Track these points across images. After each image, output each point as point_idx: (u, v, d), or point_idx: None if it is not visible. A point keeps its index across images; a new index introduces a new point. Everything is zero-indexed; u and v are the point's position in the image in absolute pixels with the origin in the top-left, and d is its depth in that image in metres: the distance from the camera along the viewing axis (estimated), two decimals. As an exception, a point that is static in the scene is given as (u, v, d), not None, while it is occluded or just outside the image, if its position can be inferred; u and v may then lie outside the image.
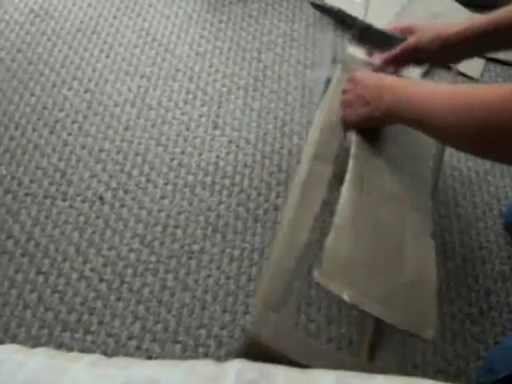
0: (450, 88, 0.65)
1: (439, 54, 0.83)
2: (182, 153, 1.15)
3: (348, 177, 0.73)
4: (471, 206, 1.13)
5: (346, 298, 0.63)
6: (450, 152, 1.21)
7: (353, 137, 0.78)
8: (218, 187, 1.11)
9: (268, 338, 0.64)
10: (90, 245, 1.01)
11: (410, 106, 0.68)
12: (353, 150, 0.76)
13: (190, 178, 1.11)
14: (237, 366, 0.43)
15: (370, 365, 0.70)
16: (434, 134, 0.68)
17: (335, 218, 0.68)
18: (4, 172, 1.08)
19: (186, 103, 1.22)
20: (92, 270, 0.98)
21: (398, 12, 1.39)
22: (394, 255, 0.69)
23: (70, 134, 1.14)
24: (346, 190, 0.71)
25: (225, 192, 1.10)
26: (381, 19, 1.38)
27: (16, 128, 1.14)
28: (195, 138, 1.17)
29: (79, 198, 1.06)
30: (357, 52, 0.93)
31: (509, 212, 1.10)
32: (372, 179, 0.75)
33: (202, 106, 1.22)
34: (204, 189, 1.10)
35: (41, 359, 0.43)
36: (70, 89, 1.21)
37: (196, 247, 1.03)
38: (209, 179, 1.11)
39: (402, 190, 0.76)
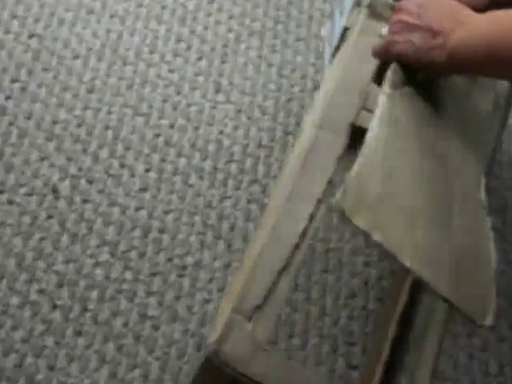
0: None
1: None
2: (171, 127, 1.17)
3: (378, 113, 0.76)
4: None
5: (377, 238, 0.65)
6: None
7: (391, 69, 0.81)
8: (220, 176, 1.12)
9: (233, 357, 0.66)
10: (38, 256, 1.03)
11: (489, 40, 0.72)
12: (388, 85, 0.79)
13: (182, 162, 1.13)
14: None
15: None
16: None
17: (364, 146, 0.72)
18: None
19: (175, 55, 1.24)
20: (41, 292, 1.00)
21: None
22: (439, 212, 0.74)
23: (8, 98, 1.17)
24: (376, 125, 0.75)
25: (231, 183, 1.12)
26: None
27: None
28: (189, 105, 1.19)
29: (22, 190, 1.08)
30: None
31: None
32: (410, 125, 0.79)
33: (199, 59, 1.24)
34: (201, 178, 1.11)
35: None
36: (7, 32, 1.24)
37: (190, 260, 1.04)
38: (208, 164, 1.13)
39: (449, 147, 0.81)
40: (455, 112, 0.86)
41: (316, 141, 0.78)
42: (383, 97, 0.78)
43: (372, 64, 0.85)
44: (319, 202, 0.74)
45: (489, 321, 0.69)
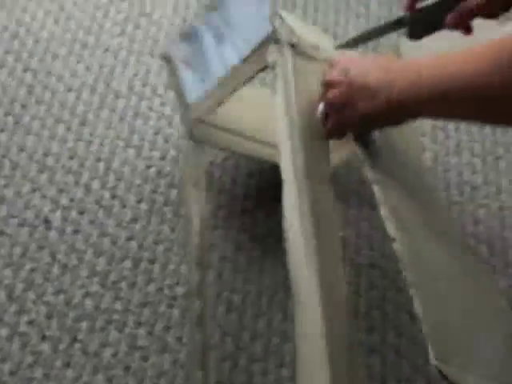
0: (482, 45, 0.70)
1: None
2: (162, 158, 1.17)
3: (383, 212, 0.74)
4: None
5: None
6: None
7: (359, 151, 0.81)
8: (211, 206, 1.12)
9: None
10: (27, 287, 1.03)
11: (435, 81, 0.72)
12: (371, 173, 0.78)
13: (173, 193, 1.13)
14: None
15: None
16: (473, 106, 0.72)
17: (407, 277, 0.69)
18: None
19: (168, 89, 1.25)
20: (30, 323, 1.00)
21: None
22: (479, 312, 0.76)
23: (1, 131, 1.18)
24: (393, 233, 0.72)
25: (222, 212, 1.12)
26: None
27: None
28: (182, 137, 1.19)
29: (14, 221, 1.08)
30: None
31: None
32: (405, 212, 0.79)
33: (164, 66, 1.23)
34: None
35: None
36: (1, 66, 1.25)
37: (180, 290, 1.04)
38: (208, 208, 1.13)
39: (434, 219, 0.84)
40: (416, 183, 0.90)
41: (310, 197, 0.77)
42: (375, 187, 0.77)
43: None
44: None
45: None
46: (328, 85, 0.82)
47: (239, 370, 0.98)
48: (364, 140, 0.82)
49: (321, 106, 0.84)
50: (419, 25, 0.90)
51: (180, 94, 1.02)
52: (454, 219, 0.85)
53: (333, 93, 0.81)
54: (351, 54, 0.87)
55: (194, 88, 0.98)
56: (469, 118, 0.83)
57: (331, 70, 0.83)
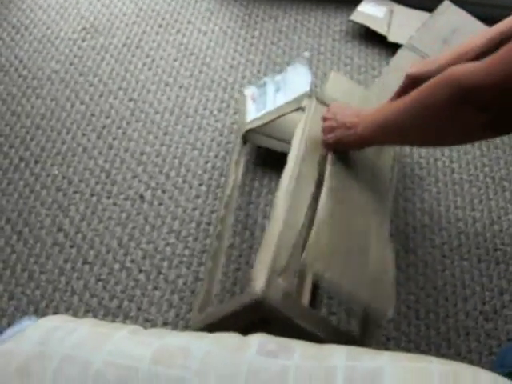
0: (400, 100, 0.75)
1: None
2: (216, 156, 1.18)
3: (325, 189, 0.82)
4: (487, 210, 1.13)
5: (327, 276, 0.71)
6: (466, 160, 1.21)
7: (330, 157, 0.88)
8: (247, 188, 1.14)
9: (278, 302, 0.69)
10: (130, 239, 1.05)
11: (377, 124, 0.79)
12: (329, 168, 0.86)
13: (222, 179, 1.15)
14: (258, 338, 0.46)
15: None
16: (401, 139, 0.81)
17: (316, 220, 0.77)
18: (56, 172, 1.14)
19: (219, 111, 1.26)
20: (132, 261, 1.02)
21: (419, 27, 1.40)
22: (362, 251, 0.80)
23: (114, 139, 1.20)
24: (324, 198, 0.80)
25: (254, 193, 1.13)
26: (403, 34, 1.40)
27: (67, 133, 1.20)
28: (228, 143, 1.21)
29: (122, 197, 1.11)
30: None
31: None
32: (344, 192, 0.86)
33: (235, 113, 1.26)
34: (252, 189, 1.13)
35: (88, 327, 0.46)
36: (115, 98, 1.27)
37: (226, 243, 1.05)
38: (239, 181, 1.14)
39: (367, 202, 0.89)
40: (370, 178, 0.94)
41: (301, 171, 0.85)
42: (328, 175, 0.85)
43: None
44: (309, 207, 0.82)
45: (390, 315, 0.75)
46: (324, 119, 0.92)
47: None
48: (340, 154, 0.90)
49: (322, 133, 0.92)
50: None
51: (242, 114, 1.14)
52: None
53: (326, 124, 0.91)
54: (341, 103, 0.95)
55: (253, 113, 1.11)
56: (406, 143, 0.95)
57: (327, 110, 0.93)
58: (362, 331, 0.86)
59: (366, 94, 1.15)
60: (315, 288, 0.79)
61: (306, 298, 0.78)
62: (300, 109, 0.99)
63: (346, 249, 0.78)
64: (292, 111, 1.01)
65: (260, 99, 1.10)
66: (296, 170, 0.85)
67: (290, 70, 1.11)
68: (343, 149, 0.89)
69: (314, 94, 0.99)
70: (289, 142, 0.94)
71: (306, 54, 1.15)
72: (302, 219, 0.79)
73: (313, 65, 1.37)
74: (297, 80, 1.06)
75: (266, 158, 1.18)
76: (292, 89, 1.04)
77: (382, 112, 0.79)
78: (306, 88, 1.01)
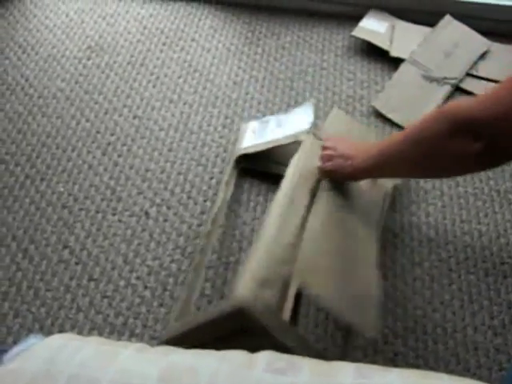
0: (395, 135, 0.80)
1: None
2: (220, 172, 1.18)
3: (315, 211, 0.86)
4: (493, 224, 1.13)
5: (313, 292, 0.75)
6: (471, 174, 1.21)
7: (323, 183, 0.92)
8: (252, 204, 1.14)
9: (260, 312, 0.69)
10: (136, 255, 1.05)
11: (373, 158, 0.83)
12: (321, 193, 0.90)
13: (228, 195, 1.14)
14: (266, 355, 0.45)
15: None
16: (395, 173, 0.88)
17: (304, 238, 0.81)
18: (62, 189, 1.14)
19: (224, 127, 1.27)
20: (137, 278, 1.02)
21: (421, 42, 1.41)
22: (347, 273, 0.83)
23: (120, 156, 1.20)
24: (313, 220, 0.84)
25: (259, 208, 1.13)
26: (405, 49, 1.41)
27: (73, 150, 1.21)
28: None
29: (127, 213, 1.11)
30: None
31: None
32: (333, 216, 0.89)
33: (239, 130, 1.26)
34: (240, 205, 1.13)
35: (95, 345, 0.46)
36: (120, 115, 1.28)
37: (232, 259, 1.05)
38: (244, 196, 1.15)
39: (356, 228, 0.92)
40: (361, 206, 0.97)
41: (294, 190, 0.89)
42: (318, 197, 0.89)
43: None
44: (301, 222, 0.85)
45: (373, 334, 0.77)
46: (324, 148, 0.97)
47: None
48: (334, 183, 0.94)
49: (319, 162, 0.96)
50: None
51: (239, 141, 1.19)
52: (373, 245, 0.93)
53: (325, 152, 0.96)
54: (342, 136, 1.01)
55: (250, 141, 1.16)
56: (400, 176, 1.03)
57: (328, 139, 0.99)
58: (344, 344, 0.91)
59: (365, 133, 1.18)
60: (297, 304, 0.80)
61: (286, 314, 0.78)
62: (296, 142, 1.03)
63: (331, 269, 0.80)
64: (288, 143, 1.05)
65: (260, 132, 1.14)
66: (289, 193, 0.88)
67: (295, 111, 1.16)
68: (338, 179, 0.93)
69: (312, 130, 1.05)
70: (281, 164, 0.99)
71: (312, 100, 1.22)
72: (290, 238, 0.81)
73: (315, 80, 1.38)
74: (299, 119, 1.12)
75: (254, 173, 1.18)
76: (293, 125, 1.11)
77: (377, 146, 0.83)
78: (307, 126, 1.06)
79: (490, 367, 0.94)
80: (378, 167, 0.83)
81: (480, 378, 0.93)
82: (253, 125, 1.20)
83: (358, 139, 1.12)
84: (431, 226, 1.12)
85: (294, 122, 1.11)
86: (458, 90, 1.35)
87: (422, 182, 1.19)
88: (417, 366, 0.94)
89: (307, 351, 0.72)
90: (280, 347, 0.69)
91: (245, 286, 0.71)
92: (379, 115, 1.29)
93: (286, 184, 0.90)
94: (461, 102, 0.67)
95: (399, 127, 1.28)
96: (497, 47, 1.42)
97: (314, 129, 1.08)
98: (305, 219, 0.85)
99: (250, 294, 0.69)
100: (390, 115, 1.29)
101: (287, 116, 1.16)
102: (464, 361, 0.95)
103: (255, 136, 1.15)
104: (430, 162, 0.71)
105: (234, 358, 0.45)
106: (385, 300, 1.01)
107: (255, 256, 0.77)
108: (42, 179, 1.16)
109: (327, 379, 0.43)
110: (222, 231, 1.09)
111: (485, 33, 1.44)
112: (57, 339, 0.48)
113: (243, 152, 1.14)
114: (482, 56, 1.40)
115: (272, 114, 1.30)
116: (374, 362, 0.94)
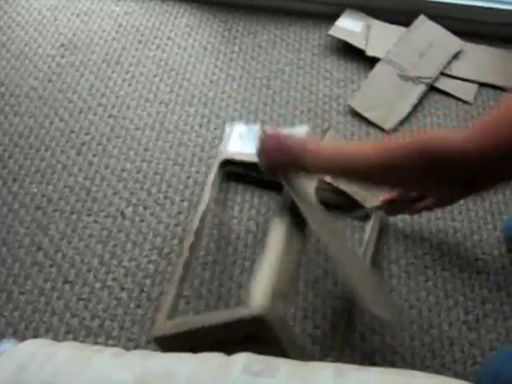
0: (364, 147, 0.75)
1: None
2: (197, 172, 1.18)
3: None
4: (467, 220, 1.14)
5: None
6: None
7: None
8: (230, 203, 1.13)
9: (276, 323, 0.71)
10: (112, 256, 1.04)
11: (331, 162, 0.77)
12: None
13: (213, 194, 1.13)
14: (244, 358, 0.45)
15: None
16: (352, 182, 0.84)
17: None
18: (35, 190, 1.12)
19: (200, 127, 1.26)
20: (114, 279, 1.01)
21: (396, 42, 1.42)
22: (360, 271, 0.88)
23: (94, 156, 1.18)
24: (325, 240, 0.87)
25: (236, 208, 1.13)
26: (380, 48, 1.42)
27: (46, 150, 1.18)
28: (209, 158, 1.20)
29: (103, 214, 1.09)
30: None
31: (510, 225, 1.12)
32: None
33: (216, 129, 1.26)
34: (217, 205, 1.12)
35: (68, 351, 0.45)
36: (95, 114, 1.26)
37: (210, 259, 1.05)
38: (221, 196, 1.14)
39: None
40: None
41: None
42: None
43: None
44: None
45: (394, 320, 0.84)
46: (264, 139, 0.87)
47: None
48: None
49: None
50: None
51: (225, 143, 1.14)
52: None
53: (267, 144, 0.86)
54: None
55: (237, 146, 1.12)
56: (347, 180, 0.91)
57: (265, 130, 0.89)
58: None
59: None
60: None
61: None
62: None
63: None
64: None
65: (247, 139, 1.11)
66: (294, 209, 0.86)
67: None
68: (281, 165, 0.85)
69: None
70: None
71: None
72: (297, 248, 0.82)
73: (292, 79, 1.38)
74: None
75: (239, 176, 1.16)
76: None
77: (339, 151, 0.77)
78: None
79: (464, 362, 0.96)
80: (331, 171, 0.79)
81: (455, 373, 0.94)
82: (239, 129, 1.15)
83: None
84: (407, 223, 1.13)
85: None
86: (432, 89, 1.36)
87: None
88: (394, 363, 0.95)
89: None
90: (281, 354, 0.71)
91: (262, 296, 0.73)
92: (355, 114, 1.30)
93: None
94: (439, 136, 0.64)
95: (375, 126, 1.29)
96: (469, 47, 1.44)
97: None
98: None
99: (268, 305, 0.72)
100: (366, 114, 1.30)
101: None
102: (440, 356, 0.96)
103: (242, 142, 1.12)
104: (397, 185, 0.71)
105: (212, 361, 0.45)
106: (362, 297, 1.02)
107: (269, 268, 0.78)
108: (15, 180, 1.13)
109: (304, 380, 0.43)
110: (218, 232, 1.09)
111: (458, 33, 1.46)
112: (29, 345, 0.47)
113: (229, 157, 1.11)
114: (456, 56, 1.42)
115: (249, 113, 1.29)
116: (352, 359, 0.94)
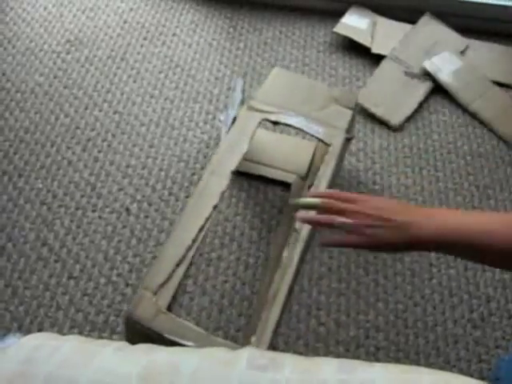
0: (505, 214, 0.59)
1: None
2: (202, 168, 1.17)
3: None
4: (472, 218, 1.14)
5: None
6: (451, 169, 1.22)
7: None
8: (234, 200, 1.13)
9: (141, 317, 0.71)
10: (116, 252, 1.04)
11: (458, 229, 0.58)
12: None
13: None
14: (248, 352, 0.45)
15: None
16: (496, 257, 0.59)
17: None
18: (40, 186, 1.12)
19: (205, 123, 1.26)
20: (118, 275, 1.01)
21: (401, 40, 1.42)
22: None
23: (100, 152, 1.18)
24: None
25: (241, 204, 1.13)
26: (386, 46, 1.42)
27: (52, 146, 1.19)
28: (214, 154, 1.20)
29: (107, 210, 1.09)
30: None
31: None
32: None
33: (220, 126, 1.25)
34: (222, 201, 1.12)
35: (73, 344, 0.45)
36: (100, 110, 1.26)
37: (214, 255, 1.05)
38: (227, 193, 1.14)
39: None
40: None
41: (207, 183, 0.87)
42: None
43: (246, 137, 0.92)
44: (206, 219, 0.82)
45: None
46: (344, 213, 0.62)
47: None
48: None
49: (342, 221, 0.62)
50: None
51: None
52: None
53: (356, 222, 0.61)
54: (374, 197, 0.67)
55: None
56: (486, 264, 0.66)
57: (350, 201, 0.63)
58: None
59: (312, 86, 1.06)
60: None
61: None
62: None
63: None
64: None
65: (227, 120, 1.10)
66: (202, 185, 0.86)
67: (232, 96, 1.13)
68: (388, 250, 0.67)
69: (247, 102, 0.97)
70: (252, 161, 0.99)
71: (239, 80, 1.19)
72: (192, 236, 0.79)
73: (298, 76, 1.37)
74: (235, 95, 1.08)
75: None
76: (233, 105, 1.07)
77: (465, 218, 0.60)
78: (237, 101, 1.03)
79: (469, 359, 0.95)
80: (456, 247, 0.58)
81: (460, 370, 0.94)
82: (223, 116, 1.15)
83: (307, 99, 0.98)
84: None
85: (233, 99, 1.07)
86: (438, 86, 1.36)
87: (402, 178, 1.20)
88: (398, 360, 0.94)
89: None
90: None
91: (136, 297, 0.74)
92: (361, 111, 1.29)
93: (205, 173, 0.89)
94: None
95: (380, 123, 1.28)
96: (473, 44, 1.44)
97: (249, 100, 0.99)
98: (209, 217, 0.82)
99: (135, 304, 0.73)
100: (373, 109, 1.29)
101: (228, 108, 1.12)
102: (444, 354, 0.96)
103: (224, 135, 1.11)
104: None
105: (217, 355, 0.45)
106: (366, 295, 1.01)
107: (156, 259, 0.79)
108: (20, 175, 1.13)
109: (309, 375, 0.42)
110: (222, 228, 1.09)
111: (463, 30, 1.45)
112: (34, 339, 0.47)
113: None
114: (461, 54, 1.41)
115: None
116: (356, 356, 0.94)
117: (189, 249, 0.78)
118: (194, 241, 0.79)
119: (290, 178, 1.13)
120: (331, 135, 0.94)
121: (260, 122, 0.96)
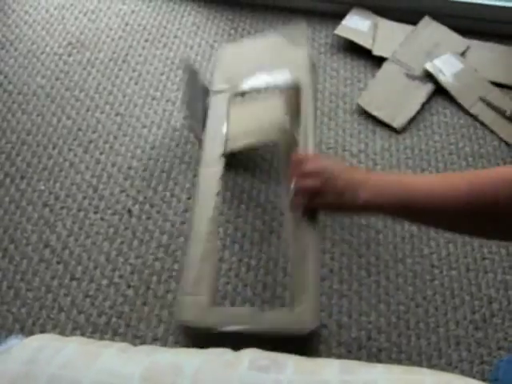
0: (445, 184, 0.60)
1: None
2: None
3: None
4: (474, 220, 1.14)
5: None
6: (452, 170, 1.22)
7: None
8: (236, 201, 1.13)
9: (189, 319, 0.73)
10: (118, 254, 1.04)
11: (396, 194, 0.61)
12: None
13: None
14: (250, 353, 0.45)
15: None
16: (424, 218, 0.63)
17: None
18: (42, 187, 1.12)
19: (207, 125, 1.26)
20: (120, 276, 1.01)
21: (402, 42, 1.42)
22: None
23: (101, 153, 1.19)
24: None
25: (243, 206, 1.13)
26: (387, 48, 1.42)
27: (54, 148, 1.19)
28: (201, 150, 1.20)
29: (109, 211, 1.10)
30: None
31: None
32: None
33: (222, 127, 1.25)
34: (224, 203, 1.12)
35: (76, 345, 0.45)
36: (102, 112, 1.26)
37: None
38: (228, 194, 1.14)
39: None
40: None
41: (204, 176, 0.88)
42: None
43: (223, 120, 0.94)
44: (214, 209, 0.83)
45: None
46: (304, 175, 0.72)
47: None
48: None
49: (292, 187, 0.75)
50: None
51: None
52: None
53: (308, 182, 0.70)
54: (332, 161, 0.75)
55: None
56: (425, 225, 0.71)
57: (308, 162, 0.71)
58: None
59: (258, 43, 1.11)
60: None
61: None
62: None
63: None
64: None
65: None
66: (200, 180, 0.88)
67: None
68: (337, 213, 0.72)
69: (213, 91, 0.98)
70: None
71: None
72: (206, 229, 0.81)
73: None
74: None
75: (255, 171, 1.18)
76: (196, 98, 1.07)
77: (402, 177, 0.64)
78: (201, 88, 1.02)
79: (471, 361, 0.95)
80: (398, 211, 0.62)
81: (462, 372, 0.94)
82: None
83: (260, 57, 1.00)
84: (413, 222, 1.12)
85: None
86: (439, 87, 1.36)
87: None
88: (400, 361, 0.94)
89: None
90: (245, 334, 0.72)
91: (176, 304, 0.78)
92: (362, 113, 1.30)
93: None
94: None
95: (382, 125, 1.28)
96: (474, 46, 1.44)
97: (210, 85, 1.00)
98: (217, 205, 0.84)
99: (178, 307, 0.76)
100: (375, 112, 1.29)
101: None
102: (446, 355, 0.96)
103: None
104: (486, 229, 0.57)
105: (219, 357, 0.45)
106: (368, 296, 1.01)
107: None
108: (22, 177, 1.13)
109: (311, 376, 0.43)
110: (224, 230, 1.09)
111: (464, 31, 1.45)
112: (37, 340, 0.47)
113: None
114: (462, 55, 1.41)
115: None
116: (358, 357, 0.94)
117: (207, 241, 0.80)
118: (209, 234, 0.80)
119: (275, 135, 1.14)
120: (297, 77, 0.97)
121: (229, 100, 0.97)
